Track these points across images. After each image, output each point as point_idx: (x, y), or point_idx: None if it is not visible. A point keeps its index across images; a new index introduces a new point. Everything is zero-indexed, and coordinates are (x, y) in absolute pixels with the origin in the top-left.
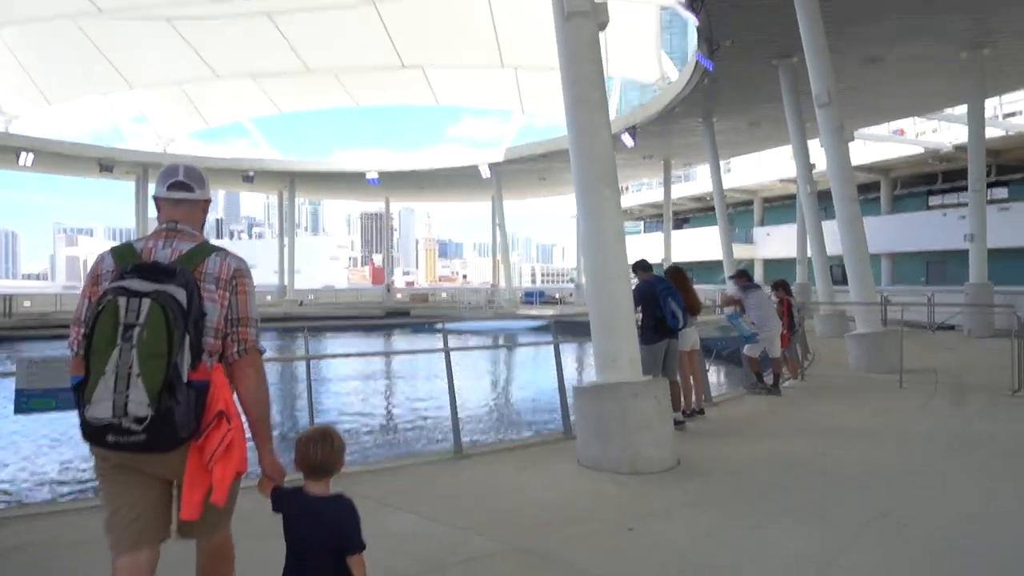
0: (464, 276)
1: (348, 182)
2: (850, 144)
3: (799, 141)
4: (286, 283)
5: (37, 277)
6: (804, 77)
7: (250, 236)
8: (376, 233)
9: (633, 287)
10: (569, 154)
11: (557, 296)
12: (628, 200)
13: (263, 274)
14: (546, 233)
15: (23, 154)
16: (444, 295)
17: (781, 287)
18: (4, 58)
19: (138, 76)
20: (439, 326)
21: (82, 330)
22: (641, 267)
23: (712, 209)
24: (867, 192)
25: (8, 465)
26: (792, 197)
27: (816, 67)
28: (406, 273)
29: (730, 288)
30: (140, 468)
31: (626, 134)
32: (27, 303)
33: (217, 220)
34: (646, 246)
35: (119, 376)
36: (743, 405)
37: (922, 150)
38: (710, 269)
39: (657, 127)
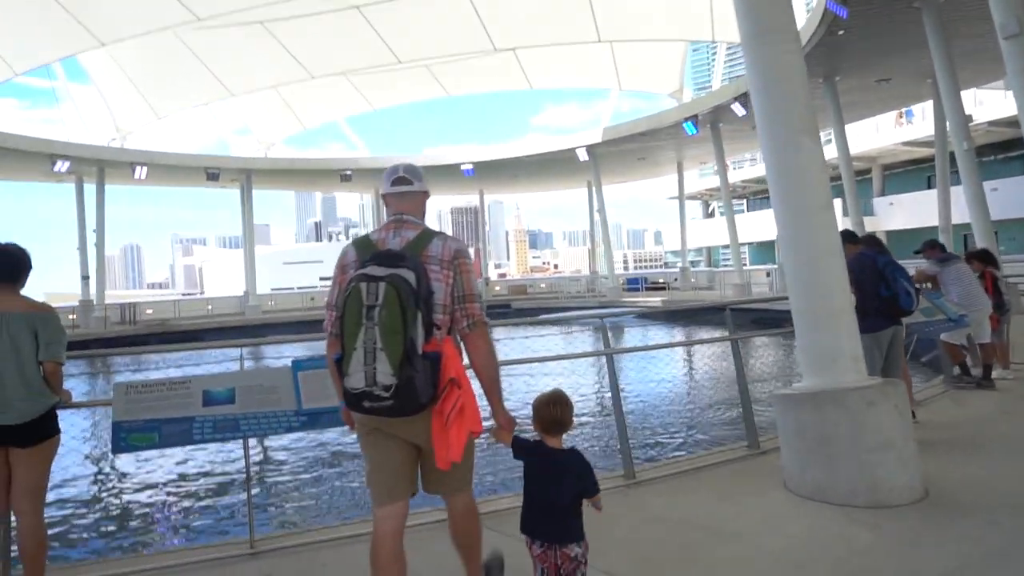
0: (555, 266)
1: (442, 175)
2: (988, 97)
3: (950, 91)
4: None
5: (160, 286)
6: (952, 18)
7: (347, 237)
8: (467, 227)
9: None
10: (752, 103)
11: (661, 281)
12: (729, 177)
13: None
14: (635, 218)
15: (137, 168)
16: (543, 285)
17: (978, 258)
18: (117, 77)
19: (237, 83)
20: (597, 322)
21: (334, 313)
22: (848, 238)
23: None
24: (1006, 150)
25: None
26: (918, 162)
27: None
28: (497, 265)
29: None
30: (392, 433)
31: (736, 103)
32: (149, 311)
33: (316, 223)
34: (755, 225)
35: (367, 351)
36: (955, 405)
37: None
38: None
39: None
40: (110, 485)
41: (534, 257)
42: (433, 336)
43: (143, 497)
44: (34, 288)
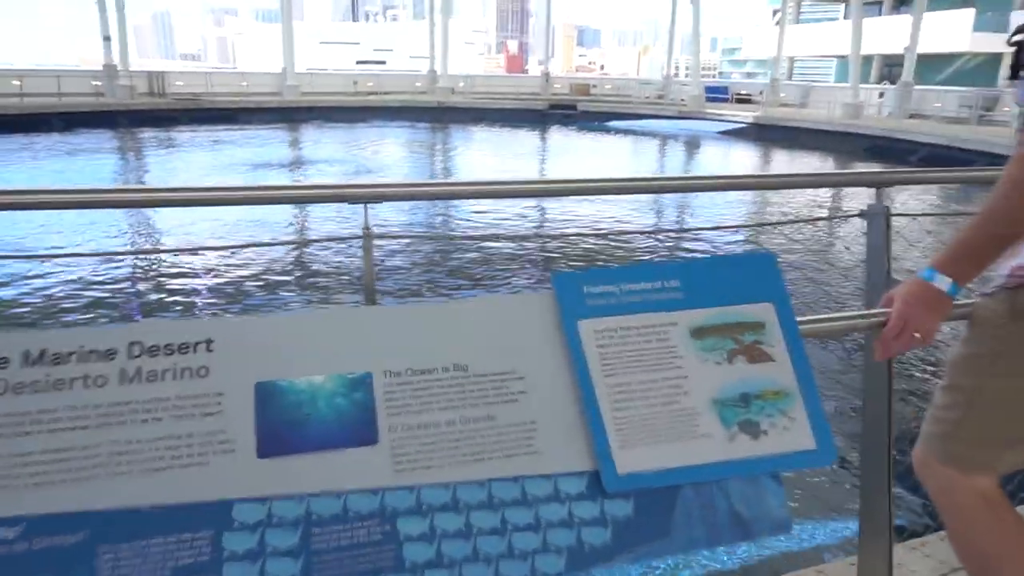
0: (602, 67)
1: None
2: None
3: None
4: (437, 68)
5: (193, 57)
6: None
7: (384, 18)
8: (511, 17)
9: None
10: None
11: (744, 92)
12: None
13: (399, 59)
14: (685, 21)
15: None
16: (608, 87)
17: None
18: None
19: None
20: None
21: None
22: None
23: None
24: None
25: None
26: None
27: None
28: (540, 63)
29: None
30: None
31: None
32: (179, 83)
33: (352, 1)
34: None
35: None
36: None
37: None
38: (947, 62)
39: None
40: None
41: (580, 56)
42: None
43: None
44: (60, 49)
